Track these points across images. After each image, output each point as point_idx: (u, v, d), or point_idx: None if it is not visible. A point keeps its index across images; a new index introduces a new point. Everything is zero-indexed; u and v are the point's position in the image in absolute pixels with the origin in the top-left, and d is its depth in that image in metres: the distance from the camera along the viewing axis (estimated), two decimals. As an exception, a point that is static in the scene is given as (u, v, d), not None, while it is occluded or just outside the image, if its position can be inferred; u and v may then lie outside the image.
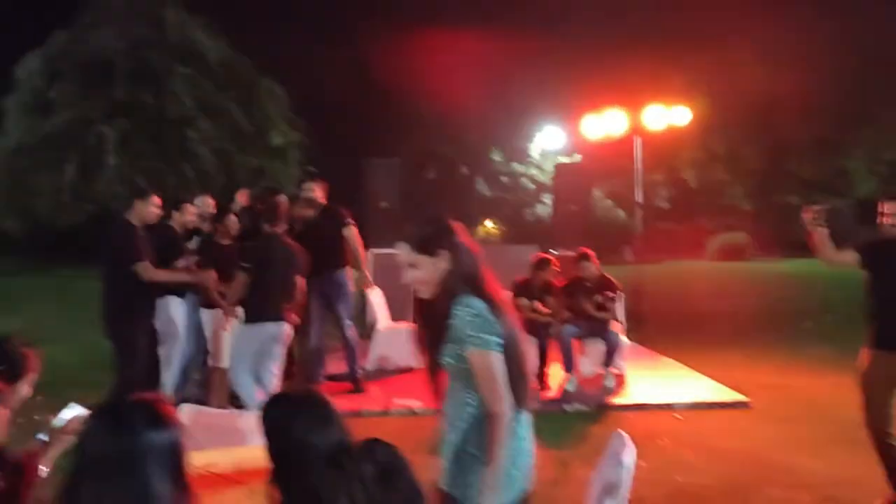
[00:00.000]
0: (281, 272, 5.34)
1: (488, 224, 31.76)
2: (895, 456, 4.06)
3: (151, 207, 5.39)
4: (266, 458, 1.82)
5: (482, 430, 2.32)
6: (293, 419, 1.84)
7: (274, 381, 5.29)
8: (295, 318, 5.53)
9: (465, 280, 2.40)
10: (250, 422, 3.20)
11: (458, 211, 15.51)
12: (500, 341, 2.33)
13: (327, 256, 6.57)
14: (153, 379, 5.31)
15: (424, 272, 2.44)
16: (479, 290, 2.39)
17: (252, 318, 5.28)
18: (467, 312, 2.33)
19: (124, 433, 1.55)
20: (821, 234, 3.99)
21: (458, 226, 2.51)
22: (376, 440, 1.79)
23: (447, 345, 2.37)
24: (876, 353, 4.03)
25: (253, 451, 2.77)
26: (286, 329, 5.36)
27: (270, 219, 5.40)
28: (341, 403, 5.86)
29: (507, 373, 2.34)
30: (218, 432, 2.95)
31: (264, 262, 5.29)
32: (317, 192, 6.73)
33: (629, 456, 2.49)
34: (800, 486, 4.52)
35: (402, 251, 2.47)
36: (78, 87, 20.11)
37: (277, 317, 5.30)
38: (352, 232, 6.73)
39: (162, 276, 5.28)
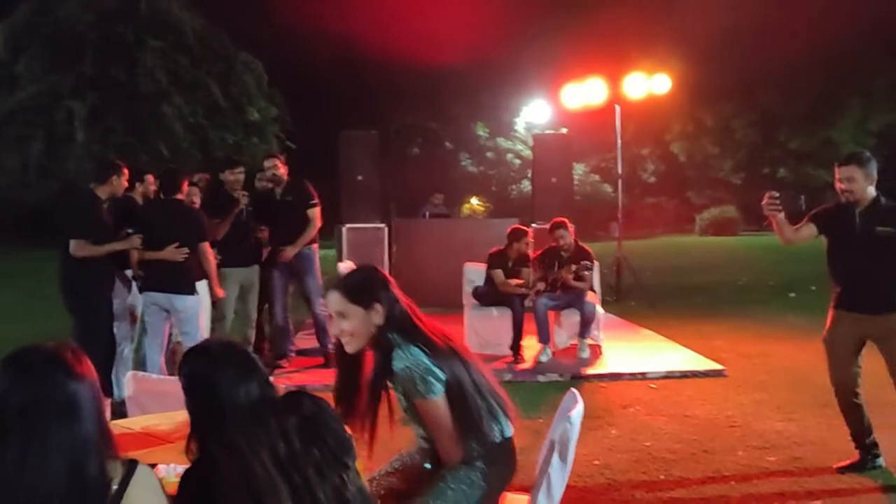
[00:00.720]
0: (172, 238, 5.41)
1: (473, 201, 31.76)
2: (860, 416, 4.15)
3: (123, 181, 5.42)
4: (186, 411, 1.83)
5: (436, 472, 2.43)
6: (213, 371, 1.84)
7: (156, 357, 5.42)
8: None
9: (399, 331, 2.40)
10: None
11: (442, 187, 15.45)
12: (443, 386, 2.35)
13: (292, 232, 6.62)
14: (110, 355, 5.30)
15: (355, 324, 2.43)
16: (415, 337, 2.40)
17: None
18: (406, 362, 2.34)
19: (30, 381, 1.55)
20: (778, 219, 4.09)
21: (389, 277, 2.50)
22: (301, 392, 1.78)
23: (399, 395, 2.41)
24: (837, 313, 4.15)
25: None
26: (185, 301, 5.42)
27: (169, 190, 5.51)
28: (312, 378, 5.92)
29: (462, 413, 2.38)
30: (164, 398, 2.96)
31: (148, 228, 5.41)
32: (280, 167, 6.73)
33: (577, 412, 2.51)
34: (767, 448, 4.60)
35: (331, 299, 2.44)
36: (45, 61, 19.85)
37: (167, 286, 5.41)
38: (315, 214, 6.74)
39: (94, 251, 5.16)
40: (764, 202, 4.11)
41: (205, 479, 1.72)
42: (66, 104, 19.89)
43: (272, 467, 1.61)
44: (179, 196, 5.55)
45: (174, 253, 5.39)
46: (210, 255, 5.57)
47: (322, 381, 6.06)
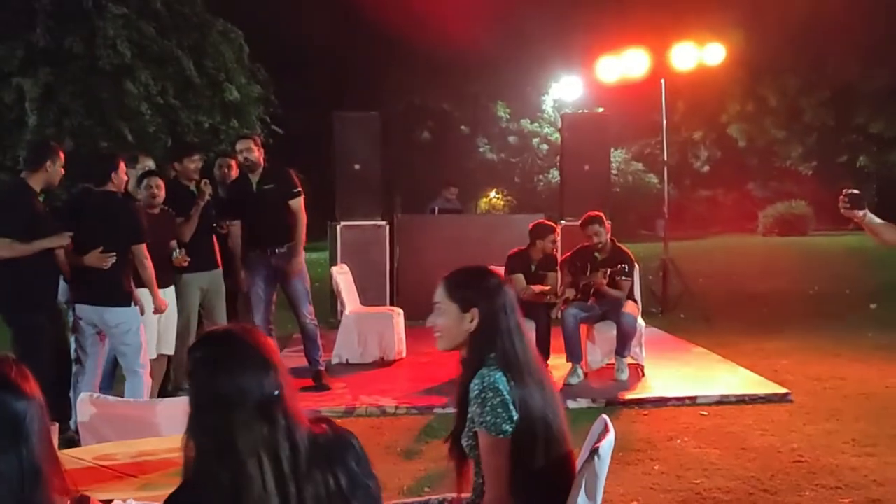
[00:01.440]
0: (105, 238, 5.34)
1: (493, 194, 31.81)
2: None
3: (60, 167, 5.38)
4: (187, 406, 1.85)
5: None
6: (221, 358, 1.85)
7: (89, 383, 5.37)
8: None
9: (491, 348, 2.51)
10: (166, 411, 3.24)
11: (456, 178, 15.51)
12: (511, 428, 2.42)
13: (274, 227, 6.67)
14: (61, 374, 5.34)
15: (446, 322, 2.59)
16: (507, 361, 2.50)
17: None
18: (483, 387, 2.44)
19: None
20: (867, 219, 4.03)
21: (504, 286, 2.60)
22: (325, 417, 1.86)
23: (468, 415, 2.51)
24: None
25: (160, 442, 2.82)
26: (118, 315, 5.36)
27: (98, 179, 5.45)
28: (302, 402, 5.97)
29: (521, 470, 2.45)
30: (122, 423, 2.98)
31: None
32: (255, 150, 6.73)
33: (606, 443, 2.51)
34: (840, 488, 4.57)
35: (438, 290, 2.62)
36: (-12, 32, 19.99)
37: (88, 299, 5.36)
38: (299, 204, 6.77)
39: (18, 250, 5.12)
40: (841, 204, 4.07)
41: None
42: (15, 82, 20.02)
43: (270, 473, 1.68)
44: (110, 187, 5.43)
45: (99, 259, 5.29)
46: (147, 259, 5.45)
47: (313, 405, 6.08)
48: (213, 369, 1.84)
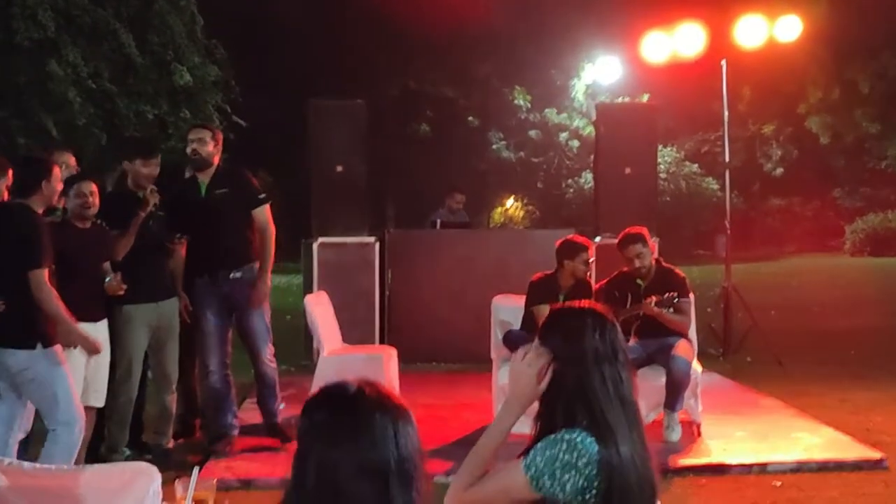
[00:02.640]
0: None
1: (510, 203, 31.85)
2: None
3: (3, 188, 5.50)
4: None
5: None
6: (346, 427, 1.94)
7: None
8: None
9: (568, 408, 2.57)
10: (94, 482, 3.25)
11: (463, 182, 15.56)
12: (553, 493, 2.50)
13: (228, 245, 6.67)
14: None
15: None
16: (593, 424, 2.53)
17: None
18: (560, 447, 2.50)
19: None
20: None
21: (599, 330, 2.62)
22: None
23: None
24: None
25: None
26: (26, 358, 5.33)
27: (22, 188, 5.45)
28: (261, 467, 5.90)
29: None
30: (42, 498, 2.99)
31: None
32: (209, 144, 6.73)
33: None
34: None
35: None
36: None
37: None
38: (265, 214, 6.79)
39: None
40: None
41: None
42: None
43: None
44: (34, 200, 5.41)
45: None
46: (44, 290, 5.30)
47: (273, 472, 6.08)
48: (331, 440, 1.92)
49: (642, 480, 2.55)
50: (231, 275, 6.67)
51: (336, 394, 2.02)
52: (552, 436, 2.53)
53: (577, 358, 2.58)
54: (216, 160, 6.78)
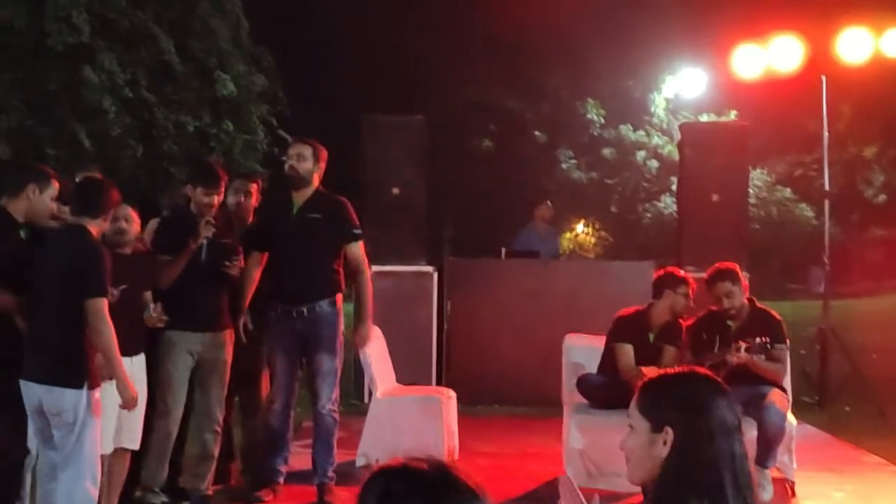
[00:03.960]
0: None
1: (580, 228, 31.76)
2: None
3: (47, 199, 5.68)
4: None
5: None
6: None
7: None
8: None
9: (690, 488, 2.51)
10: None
11: (529, 205, 15.50)
12: None
13: (310, 275, 6.72)
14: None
15: (634, 443, 2.63)
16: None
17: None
18: None
19: None
20: None
21: (724, 401, 2.60)
22: None
23: None
24: None
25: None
26: (77, 398, 5.36)
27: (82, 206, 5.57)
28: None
29: None
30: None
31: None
32: (308, 161, 6.75)
33: None
34: None
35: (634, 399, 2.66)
36: None
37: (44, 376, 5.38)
38: (359, 250, 6.86)
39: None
40: None
41: None
42: (-64, 67, 20.55)
43: None
44: (95, 224, 5.57)
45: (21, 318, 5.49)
46: (103, 322, 5.36)
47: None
48: None
49: None
50: (306, 309, 6.69)
51: (400, 482, 2.00)
52: None
53: (704, 435, 2.53)
54: (316, 180, 6.81)
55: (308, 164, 6.72)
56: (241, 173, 7.60)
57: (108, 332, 5.32)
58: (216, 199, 6.65)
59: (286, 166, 6.83)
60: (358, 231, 6.85)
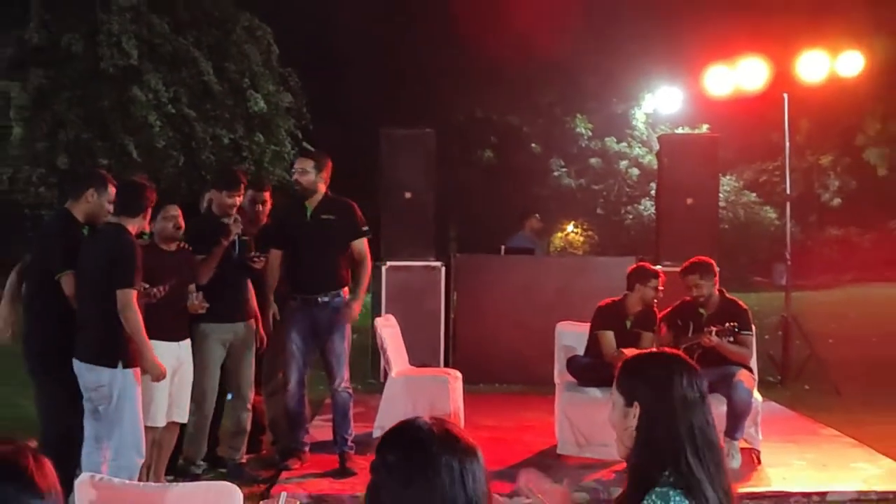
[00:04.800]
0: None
1: (570, 228, 31.75)
2: None
3: (104, 202, 5.76)
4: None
5: None
6: (418, 468, 1.96)
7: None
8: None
9: (658, 459, 2.47)
10: (181, 499, 3.29)
11: (526, 207, 15.51)
12: None
13: (326, 269, 6.76)
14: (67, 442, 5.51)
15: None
16: (682, 478, 2.43)
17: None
18: None
19: None
20: None
21: (687, 377, 2.53)
22: None
23: None
24: None
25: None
26: (112, 377, 5.46)
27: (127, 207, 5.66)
28: (329, 486, 5.91)
29: None
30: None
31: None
32: (311, 174, 6.75)
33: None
34: None
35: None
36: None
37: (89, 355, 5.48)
38: (364, 245, 6.88)
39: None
40: None
41: None
42: (0, 85, 20.41)
43: None
44: (132, 222, 5.65)
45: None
46: (131, 309, 5.42)
47: (343, 489, 6.12)
48: (402, 481, 1.94)
49: None
50: (321, 299, 6.74)
51: (408, 434, 2.02)
52: (644, 501, 2.41)
53: (666, 408, 2.49)
54: (321, 187, 6.82)
55: (311, 175, 6.76)
56: (253, 182, 7.61)
57: (135, 319, 5.39)
58: (237, 200, 6.76)
59: (294, 179, 6.96)
60: (366, 228, 6.90)
